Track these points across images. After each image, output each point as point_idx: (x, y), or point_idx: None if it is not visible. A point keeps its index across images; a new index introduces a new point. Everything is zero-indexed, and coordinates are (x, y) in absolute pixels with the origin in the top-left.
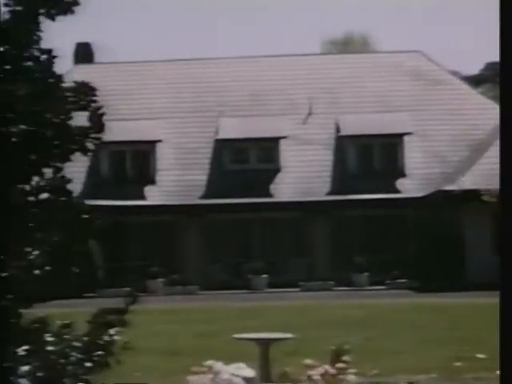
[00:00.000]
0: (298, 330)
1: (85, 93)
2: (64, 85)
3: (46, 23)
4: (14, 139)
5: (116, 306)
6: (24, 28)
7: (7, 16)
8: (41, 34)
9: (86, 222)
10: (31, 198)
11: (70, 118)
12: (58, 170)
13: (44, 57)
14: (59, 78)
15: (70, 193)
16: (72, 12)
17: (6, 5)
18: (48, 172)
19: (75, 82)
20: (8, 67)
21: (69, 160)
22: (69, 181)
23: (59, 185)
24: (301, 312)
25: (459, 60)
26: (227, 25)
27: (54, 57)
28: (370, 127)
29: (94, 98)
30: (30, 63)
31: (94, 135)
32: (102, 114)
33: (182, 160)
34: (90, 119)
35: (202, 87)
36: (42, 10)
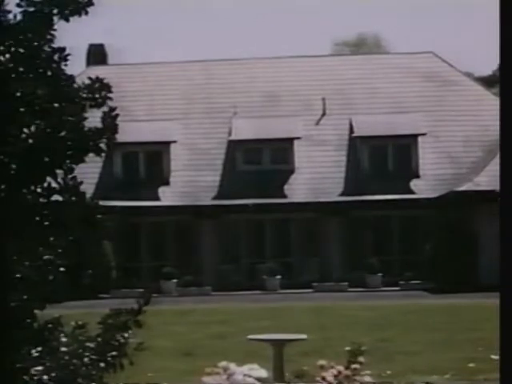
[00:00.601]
0: (311, 331)
1: (100, 89)
2: (79, 82)
3: (59, 24)
4: (29, 140)
5: (130, 306)
6: (36, 29)
7: (20, 17)
8: (54, 33)
9: (100, 223)
10: (44, 200)
11: (84, 118)
12: (70, 170)
13: (56, 56)
14: (72, 78)
15: (82, 194)
16: (86, 13)
17: (18, 5)
18: (60, 173)
19: (90, 78)
20: (21, 68)
21: (82, 161)
22: (80, 183)
23: (72, 186)
24: (314, 313)
25: (472, 61)
26: (239, 26)
27: (67, 55)
28: (384, 128)
29: (109, 95)
30: (42, 63)
31: (107, 136)
32: (116, 116)
33: (196, 161)
34: (104, 120)
35: (215, 88)
36: (55, 11)
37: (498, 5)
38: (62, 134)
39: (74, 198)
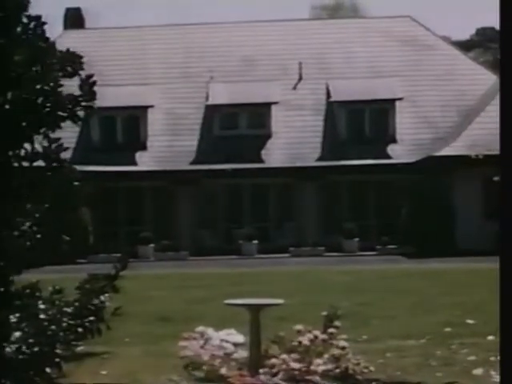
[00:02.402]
0: (288, 296)
1: (72, 60)
2: (52, 52)
3: None
4: (6, 106)
5: (107, 271)
6: None
7: None
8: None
9: (77, 189)
10: (24, 164)
11: (60, 85)
12: (55, 140)
13: (33, 24)
14: (50, 44)
15: (62, 160)
16: None
17: None
18: (38, 138)
19: (60, 51)
20: None
21: (59, 127)
22: (65, 149)
23: (54, 151)
24: (291, 278)
25: (450, 25)
26: None
27: (43, 23)
28: (361, 93)
29: (81, 66)
30: (19, 29)
31: (85, 103)
32: (93, 83)
33: (173, 126)
34: (82, 88)
35: (192, 53)
36: None
37: (498, 3)
38: (39, 100)
39: (53, 164)
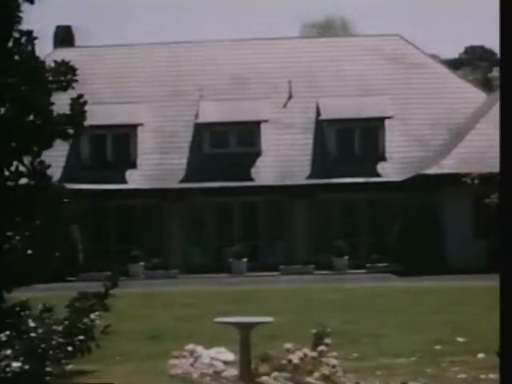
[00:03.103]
0: (278, 314)
1: (65, 72)
2: (43, 70)
3: (26, 6)
4: None
5: (97, 289)
6: (4, 10)
7: None
8: (21, 15)
9: (67, 206)
10: (11, 183)
11: (51, 104)
12: (37, 155)
13: (24, 38)
14: (41, 61)
15: (49, 178)
16: None
17: None
18: (27, 157)
19: (55, 61)
20: None
21: (50, 146)
22: (48, 166)
23: (39, 170)
24: (281, 296)
25: (438, 44)
26: (206, 8)
27: (34, 38)
28: (351, 111)
29: (75, 78)
30: (10, 45)
31: (75, 122)
32: (84, 102)
33: (163, 144)
34: (72, 107)
35: (182, 71)
36: None
37: (498, 3)
38: (30, 118)
39: (41, 182)
